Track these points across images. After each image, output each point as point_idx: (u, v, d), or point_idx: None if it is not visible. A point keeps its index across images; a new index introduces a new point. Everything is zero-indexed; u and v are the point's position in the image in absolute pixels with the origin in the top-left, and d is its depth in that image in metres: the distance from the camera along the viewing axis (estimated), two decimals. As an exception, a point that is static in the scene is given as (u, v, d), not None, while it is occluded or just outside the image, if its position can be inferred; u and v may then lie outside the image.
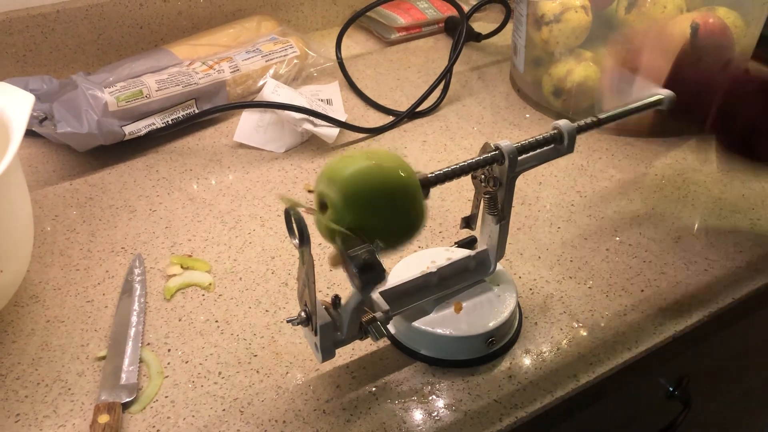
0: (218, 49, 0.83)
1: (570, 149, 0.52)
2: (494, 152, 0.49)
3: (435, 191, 0.51)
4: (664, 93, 0.55)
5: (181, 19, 0.90)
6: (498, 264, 0.55)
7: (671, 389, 0.67)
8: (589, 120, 0.52)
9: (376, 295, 0.50)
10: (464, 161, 0.48)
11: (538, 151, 0.51)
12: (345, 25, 0.93)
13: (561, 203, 0.69)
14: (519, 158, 0.49)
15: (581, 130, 0.52)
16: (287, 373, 0.52)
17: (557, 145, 0.51)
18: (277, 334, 0.55)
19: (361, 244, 0.42)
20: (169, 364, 0.52)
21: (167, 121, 0.75)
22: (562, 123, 0.51)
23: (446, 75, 0.85)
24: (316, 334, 0.46)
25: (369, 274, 0.43)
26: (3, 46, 0.81)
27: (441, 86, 0.85)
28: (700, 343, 0.58)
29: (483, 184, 0.51)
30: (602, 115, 0.52)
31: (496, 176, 0.50)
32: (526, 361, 0.53)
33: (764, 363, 0.88)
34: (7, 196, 0.51)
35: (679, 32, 0.72)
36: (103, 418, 0.47)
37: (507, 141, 0.49)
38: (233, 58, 0.81)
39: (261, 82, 0.81)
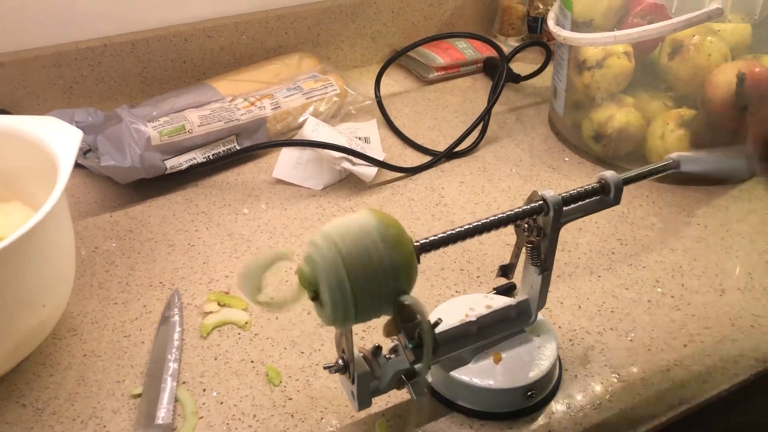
0: (259, 86, 0.84)
1: (616, 201, 0.51)
2: (539, 202, 0.48)
3: (477, 239, 0.50)
4: (674, 156, 0.53)
5: (224, 54, 0.92)
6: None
7: (713, 447, 0.65)
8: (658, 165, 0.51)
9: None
10: (505, 212, 0.47)
11: (584, 202, 0.50)
12: (385, 65, 0.94)
13: (601, 251, 0.68)
14: (564, 209, 0.49)
15: (628, 181, 0.51)
16: (322, 418, 0.51)
17: (603, 197, 0.51)
18: (312, 377, 0.54)
19: (417, 316, 0.41)
20: (204, 404, 0.52)
21: (208, 156, 0.76)
22: (609, 174, 0.50)
23: (485, 116, 0.84)
24: (353, 383, 0.46)
25: (422, 350, 0.42)
26: (52, 78, 0.83)
27: (479, 127, 0.85)
28: (743, 403, 0.56)
29: (526, 233, 0.50)
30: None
31: (540, 226, 0.49)
32: (566, 416, 0.51)
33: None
34: (54, 232, 0.52)
35: (724, 81, 0.72)
36: (138, 459, 0.47)
37: (552, 191, 0.49)
38: (274, 95, 0.82)
39: (301, 119, 0.82)
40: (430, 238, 0.44)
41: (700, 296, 0.62)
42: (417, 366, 0.47)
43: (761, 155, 0.46)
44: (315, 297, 0.40)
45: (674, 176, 0.54)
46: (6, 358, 0.52)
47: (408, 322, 0.41)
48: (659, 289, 0.63)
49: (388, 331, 0.43)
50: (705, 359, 0.56)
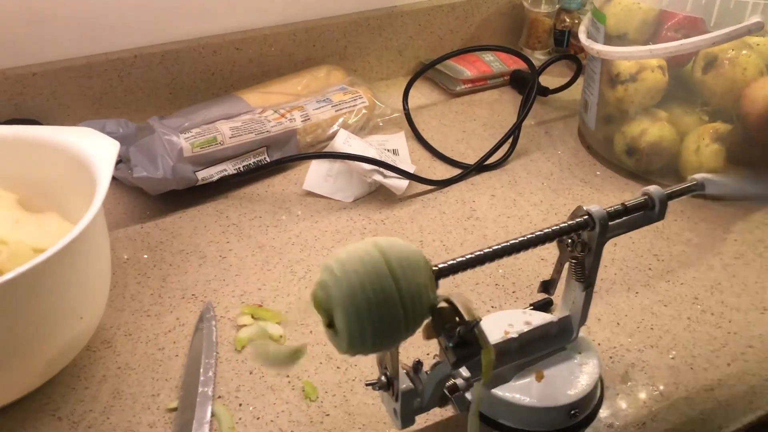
0: (289, 98, 0.84)
1: (661, 216, 0.50)
2: (585, 217, 0.47)
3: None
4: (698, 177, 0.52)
5: (252, 66, 0.92)
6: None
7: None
8: (682, 186, 0.50)
9: (456, 360, 0.49)
10: (550, 227, 0.46)
11: (629, 217, 0.49)
12: (413, 77, 0.94)
13: (638, 267, 0.67)
14: (609, 224, 0.48)
15: (672, 196, 0.50)
16: (361, 435, 0.50)
17: (647, 212, 0.50)
18: (349, 393, 0.54)
19: (457, 318, 0.41)
20: (240, 419, 0.52)
21: (239, 168, 0.76)
22: (653, 189, 0.50)
23: (516, 130, 0.84)
24: (396, 400, 0.45)
25: (465, 350, 0.42)
26: (82, 89, 0.83)
27: (508, 141, 0.84)
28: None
29: (569, 249, 0.50)
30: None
31: (585, 241, 0.49)
32: (610, 435, 0.50)
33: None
34: (93, 244, 0.52)
35: (761, 96, 0.71)
36: (177, 475, 0.46)
37: (597, 206, 0.48)
38: (304, 107, 0.82)
39: (330, 131, 0.82)
40: (450, 262, 0.42)
41: (741, 314, 0.61)
42: (461, 375, 0.46)
43: None
44: (329, 324, 0.38)
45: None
46: (43, 370, 0.51)
47: (447, 322, 0.40)
48: (699, 306, 0.62)
49: (428, 335, 0.43)
50: (749, 378, 0.55)
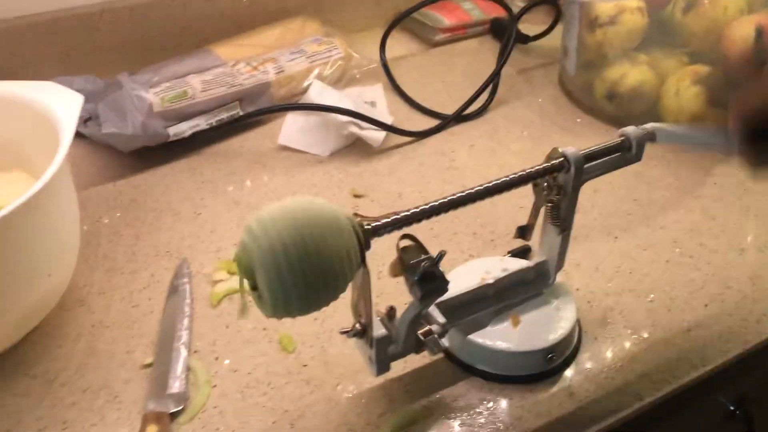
0: (262, 50, 0.82)
1: (638, 158, 0.49)
2: (560, 159, 0.47)
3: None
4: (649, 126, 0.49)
5: (224, 19, 0.89)
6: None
7: (732, 408, 0.65)
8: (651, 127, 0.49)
9: (431, 308, 0.48)
10: (525, 170, 0.46)
11: (605, 159, 0.49)
12: (389, 27, 0.91)
13: (617, 212, 0.66)
14: (585, 166, 0.47)
15: (649, 138, 0.49)
16: (338, 384, 0.50)
17: (625, 153, 0.49)
18: (326, 344, 0.53)
19: (422, 254, 0.41)
20: (216, 372, 0.51)
21: (211, 123, 0.74)
22: (630, 130, 0.49)
23: (494, 78, 0.82)
24: (371, 347, 0.45)
25: (430, 284, 0.41)
26: (47, 46, 0.81)
27: (488, 90, 0.83)
28: (766, 361, 0.55)
29: (545, 192, 0.49)
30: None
31: (560, 184, 0.48)
32: (587, 378, 0.50)
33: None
34: (57, 199, 0.51)
35: (740, 36, 0.70)
36: (152, 429, 0.46)
37: (573, 148, 0.47)
38: (277, 59, 0.80)
39: (305, 84, 0.80)
40: (384, 221, 0.40)
41: (719, 256, 0.61)
42: (436, 321, 0.46)
43: (742, 136, 0.42)
44: (254, 287, 0.37)
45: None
46: (13, 329, 0.50)
47: (411, 259, 0.40)
48: (678, 249, 0.61)
49: (395, 272, 0.42)
50: (726, 319, 0.55)
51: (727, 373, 0.53)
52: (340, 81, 0.84)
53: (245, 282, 0.37)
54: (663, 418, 0.55)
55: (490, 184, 0.44)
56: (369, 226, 0.40)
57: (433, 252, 0.42)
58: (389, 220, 0.41)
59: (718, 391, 0.63)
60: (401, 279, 0.43)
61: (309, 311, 0.38)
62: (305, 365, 0.52)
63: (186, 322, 0.55)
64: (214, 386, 0.50)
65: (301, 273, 0.35)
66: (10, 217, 0.44)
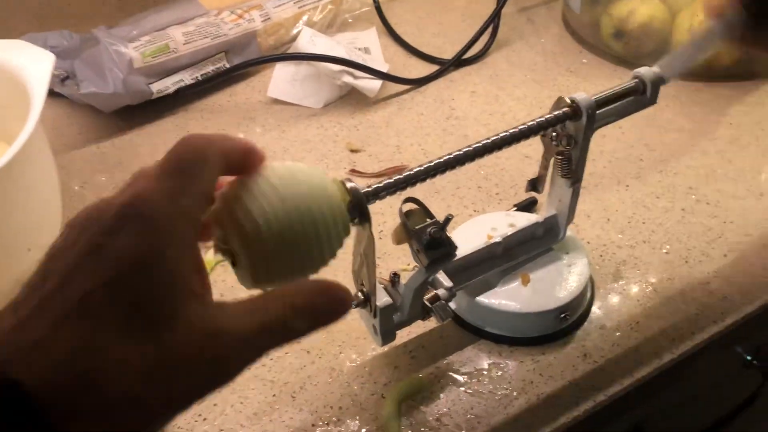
0: (247, -4, 0.77)
1: (653, 101, 0.46)
2: (570, 107, 0.43)
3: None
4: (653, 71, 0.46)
5: (206, -36, 0.84)
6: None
7: (749, 358, 0.62)
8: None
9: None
10: (534, 120, 0.42)
11: (618, 104, 0.45)
12: (381, -34, 0.86)
13: (628, 158, 0.63)
14: (597, 112, 0.44)
15: (665, 79, 0.46)
16: (341, 353, 0.48)
17: (638, 97, 0.45)
18: (326, 310, 0.50)
19: (427, 219, 0.38)
20: (212, 344, 0.49)
21: (197, 77, 0.70)
22: (644, 71, 0.45)
23: (495, 18, 0.78)
24: (375, 317, 0.42)
25: (437, 251, 0.38)
26: (17, 1, 0.76)
27: (488, 31, 0.78)
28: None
29: (554, 143, 0.45)
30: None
31: (570, 134, 0.44)
32: (602, 337, 0.48)
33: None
34: (33, 168, 0.47)
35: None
36: (146, 407, 0.44)
37: (583, 94, 0.43)
38: (263, 5, 0.75)
39: (294, 31, 0.75)
40: (375, 186, 0.36)
41: (737, 201, 0.58)
42: (442, 285, 0.43)
43: (722, 24, 0.45)
44: (234, 263, 0.32)
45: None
46: (-5, 307, 0.48)
47: (416, 224, 0.38)
48: (693, 196, 0.58)
49: (398, 239, 0.39)
50: (747, 269, 0.52)
51: (747, 325, 0.50)
52: (331, 27, 0.79)
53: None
54: (677, 372, 0.53)
55: (497, 138, 0.41)
56: (369, 189, 0.36)
57: (438, 214, 0.39)
58: (390, 181, 0.37)
59: (737, 343, 0.61)
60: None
61: (296, 278, 0.34)
62: (305, 333, 0.49)
63: (178, 291, 0.52)
64: (211, 359, 0.48)
65: (283, 243, 0.31)
66: (-21, 190, 0.41)
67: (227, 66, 0.71)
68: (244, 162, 0.30)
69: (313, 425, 0.44)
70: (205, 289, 0.27)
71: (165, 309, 0.23)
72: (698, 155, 0.63)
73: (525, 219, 0.51)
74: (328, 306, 0.29)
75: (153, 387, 0.22)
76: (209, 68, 0.71)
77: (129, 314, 0.22)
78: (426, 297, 0.43)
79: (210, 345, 0.24)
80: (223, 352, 0.24)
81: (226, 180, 0.31)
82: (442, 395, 0.45)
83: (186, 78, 0.69)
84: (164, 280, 0.23)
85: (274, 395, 0.45)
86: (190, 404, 0.24)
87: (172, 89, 0.68)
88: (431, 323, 0.49)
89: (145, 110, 0.69)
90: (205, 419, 0.44)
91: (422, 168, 0.38)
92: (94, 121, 0.70)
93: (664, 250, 0.54)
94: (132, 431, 0.22)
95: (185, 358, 0.23)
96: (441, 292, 0.44)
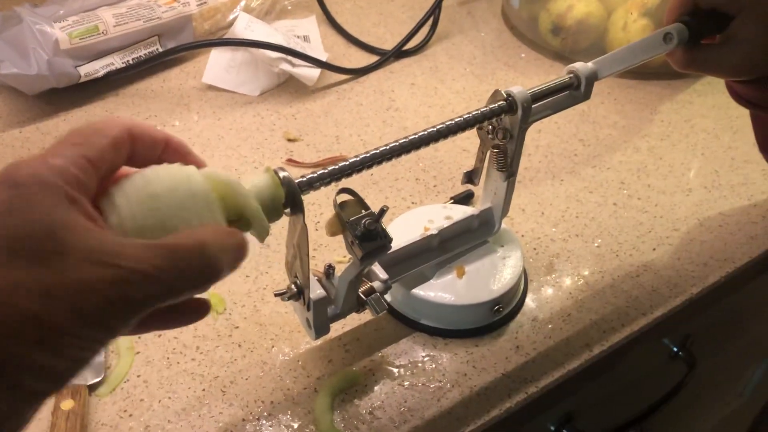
0: (182, -21, 0.74)
1: (587, 96, 0.46)
2: (506, 100, 0.43)
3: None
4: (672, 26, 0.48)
5: (139, -56, 0.81)
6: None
7: (675, 349, 0.64)
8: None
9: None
10: (470, 113, 0.42)
11: (553, 98, 0.45)
12: (322, -47, 0.85)
13: (563, 153, 0.63)
14: (533, 106, 0.44)
15: (600, 75, 0.46)
16: (273, 347, 0.47)
17: (573, 92, 0.46)
18: (259, 303, 0.49)
19: (362, 210, 0.37)
20: (139, 338, 0.47)
21: (127, 61, 0.67)
22: (579, 66, 0.46)
23: (435, 10, 0.77)
24: (309, 310, 0.41)
25: (371, 242, 0.38)
26: (-66, -26, 0.71)
27: (428, 23, 0.78)
28: (714, 304, 0.55)
29: (490, 136, 0.45)
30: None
31: (506, 127, 0.44)
32: (535, 329, 0.48)
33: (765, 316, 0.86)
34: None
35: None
36: (67, 404, 0.42)
37: (519, 87, 0.43)
38: (200, -11, 0.72)
39: (231, 17, 0.73)
40: (319, 172, 0.35)
41: (667, 197, 0.59)
42: (378, 278, 0.43)
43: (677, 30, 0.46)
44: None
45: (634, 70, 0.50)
46: None
47: (351, 215, 0.37)
48: (625, 191, 0.60)
49: (332, 230, 0.39)
50: (674, 263, 0.54)
51: (674, 317, 0.51)
52: (269, 14, 0.78)
53: None
54: (608, 363, 0.54)
55: (433, 129, 0.40)
56: (303, 179, 0.35)
57: (375, 206, 0.38)
58: (325, 171, 0.36)
59: (664, 335, 0.62)
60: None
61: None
62: (237, 327, 0.48)
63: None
64: (137, 353, 0.46)
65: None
66: None
67: (160, 50, 0.69)
68: (155, 151, 0.32)
69: (243, 420, 0.43)
70: (100, 227, 0.27)
71: (47, 243, 0.24)
72: (630, 151, 0.64)
73: (461, 212, 0.51)
74: (236, 246, 0.29)
75: (54, 304, 0.24)
76: (141, 52, 0.68)
77: (12, 249, 0.24)
78: (361, 289, 0.43)
79: (111, 266, 0.25)
80: (124, 274, 0.25)
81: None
82: (376, 388, 0.44)
83: (116, 61, 0.67)
84: (37, 220, 0.25)
85: (203, 390, 0.44)
86: (112, 327, 0.25)
87: (101, 72, 0.66)
88: (366, 316, 0.48)
89: (72, 94, 0.66)
90: (131, 415, 0.43)
91: (359, 158, 0.38)
92: (17, 105, 0.66)
93: (596, 244, 0.55)
94: (36, 343, 0.23)
95: (86, 278, 0.24)
96: (376, 284, 0.43)
